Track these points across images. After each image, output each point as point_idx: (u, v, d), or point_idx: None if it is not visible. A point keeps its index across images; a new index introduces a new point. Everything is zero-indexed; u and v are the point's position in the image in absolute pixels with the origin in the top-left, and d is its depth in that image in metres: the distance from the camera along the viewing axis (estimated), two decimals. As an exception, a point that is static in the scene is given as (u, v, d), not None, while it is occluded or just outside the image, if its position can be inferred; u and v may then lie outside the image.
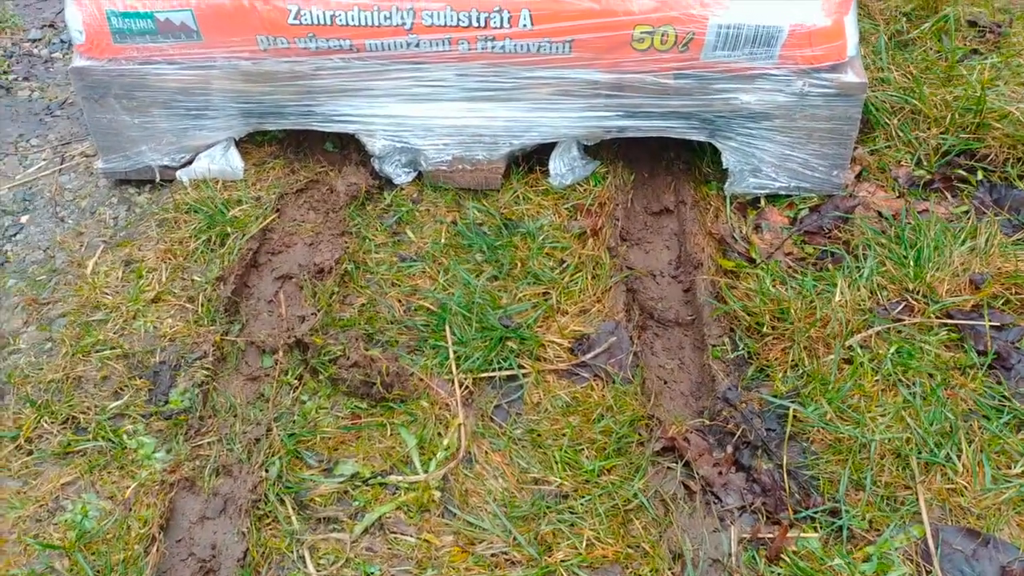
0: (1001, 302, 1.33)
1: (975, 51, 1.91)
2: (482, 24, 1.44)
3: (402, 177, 1.60)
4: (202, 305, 1.29)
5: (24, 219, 1.58)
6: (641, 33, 1.43)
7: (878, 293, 1.36)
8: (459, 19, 1.43)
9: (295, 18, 1.44)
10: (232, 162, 1.57)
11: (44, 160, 1.74)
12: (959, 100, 1.67)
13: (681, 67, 1.47)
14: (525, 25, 1.43)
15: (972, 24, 1.99)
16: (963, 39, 1.94)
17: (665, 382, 1.28)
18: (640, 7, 1.41)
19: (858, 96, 1.48)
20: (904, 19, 2.02)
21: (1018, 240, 1.43)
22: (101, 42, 1.49)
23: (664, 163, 1.66)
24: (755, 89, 1.48)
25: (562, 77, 1.50)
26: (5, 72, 2.03)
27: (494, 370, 1.24)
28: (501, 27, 1.44)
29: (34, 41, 2.14)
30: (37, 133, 1.83)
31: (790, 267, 1.43)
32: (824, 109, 1.49)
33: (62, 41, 2.13)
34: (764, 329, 1.30)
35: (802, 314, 1.31)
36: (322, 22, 1.44)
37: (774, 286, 1.37)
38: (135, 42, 1.48)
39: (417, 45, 1.46)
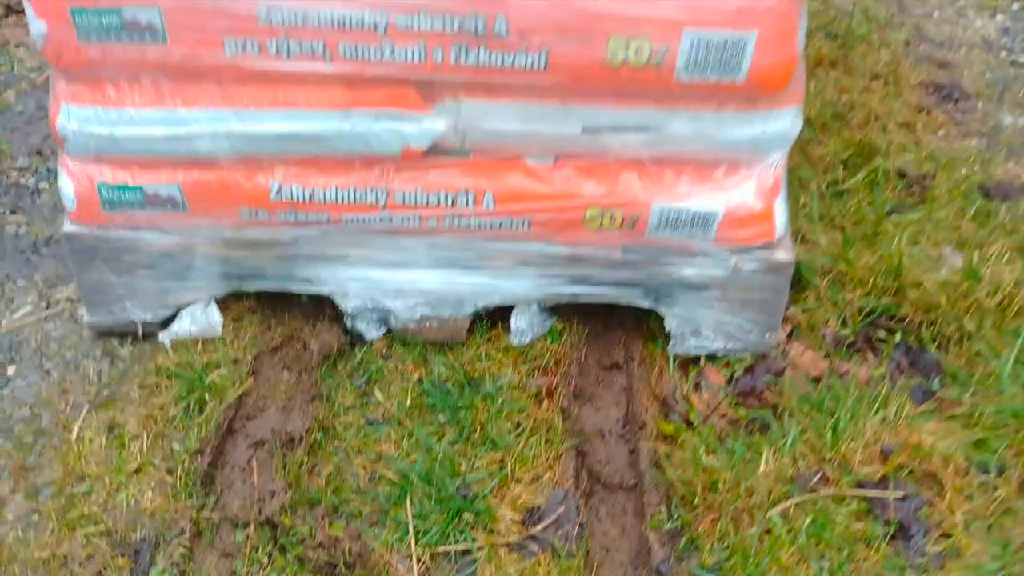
0: (906, 472, 1.48)
1: (902, 203, 2.09)
2: (450, 204, 1.57)
3: (373, 333, 1.72)
4: (180, 478, 1.39)
5: (11, 371, 1.67)
6: (592, 214, 1.58)
7: (799, 462, 1.50)
8: (429, 199, 1.57)
9: (276, 194, 1.57)
10: (212, 318, 1.69)
11: (30, 304, 1.83)
12: (882, 261, 1.84)
13: (628, 243, 1.62)
14: (488, 206, 1.58)
15: (901, 175, 2.18)
16: (893, 189, 2.13)
17: (607, 550, 1.40)
18: (590, 192, 1.57)
19: (786, 272, 1.64)
20: (841, 167, 2.20)
21: (924, 411, 1.58)
22: (91, 210, 1.60)
23: (617, 318, 1.79)
24: (694, 264, 1.63)
25: (522, 250, 1.64)
26: (-7, 204, 2.12)
27: (451, 543, 1.35)
28: (467, 206, 1.58)
29: (21, 170, 2.23)
30: (23, 273, 1.92)
31: (723, 431, 1.57)
32: (756, 282, 1.64)
33: (48, 170, 2.21)
34: (695, 500, 1.43)
35: (730, 484, 1.44)
36: (302, 199, 1.57)
37: (707, 454, 1.50)
38: (123, 211, 1.60)
39: (390, 220, 1.60)
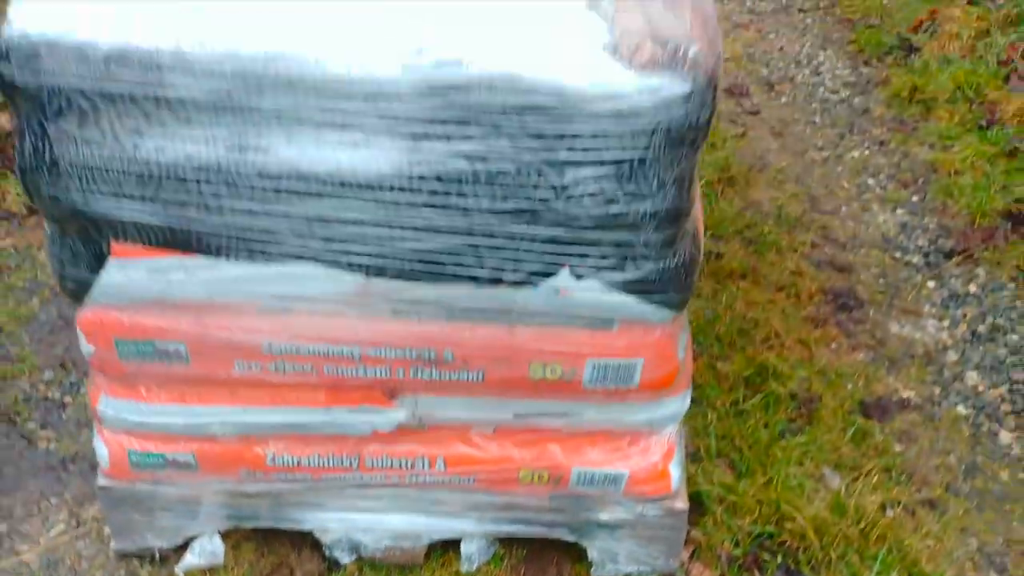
0: None
1: (792, 423, 2.50)
2: (410, 466, 1.97)
3: (346, 559, 2.10)
4: None
5: (49, 594, 2.03)
6: (524, 474, 1.98)
7: None
8: (392, 463, 1.97)
9: (271, 461, 1.96)
10: (216, 548, 2.06)
11: (63, 522, 2.19)
12: (768, 488, 2.25)
13: (554, 494, 2.02)
14: (440, 468, 1.97)
15: (793, 396, 2.60)
16: (785, 411, 2.53)
17: None
18: (522, 457, 1.97)
19: (682, 516, 2.04)
20: (743, 385, 2.61)
21: (792, 637, 1.97)
22: (122, 469, 1.98)
23: (551, 542, 2.18)
24: (608, 510, 2.03)
25: (468, 499, 2.04)
26: (25, 419, 2.47)
27: None
28: (424, 468, 1.98)
29: (48, 383, 2.57)
30: (55, 491, 2.27)
31: (630, 653, 1.95)
32: (658, 524, 2.04)
33: (71, 384, 2.54)
34: None
35: None
36: (291, 464, 1.96)
37: None
38: (148, 471, 1.98)
39: (361, 478, 1.99)
